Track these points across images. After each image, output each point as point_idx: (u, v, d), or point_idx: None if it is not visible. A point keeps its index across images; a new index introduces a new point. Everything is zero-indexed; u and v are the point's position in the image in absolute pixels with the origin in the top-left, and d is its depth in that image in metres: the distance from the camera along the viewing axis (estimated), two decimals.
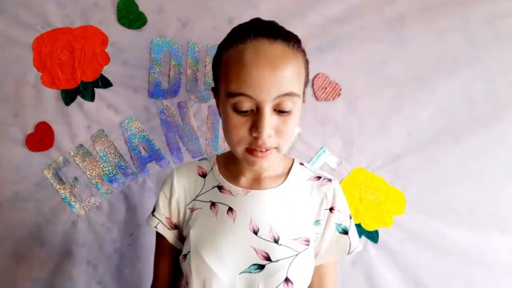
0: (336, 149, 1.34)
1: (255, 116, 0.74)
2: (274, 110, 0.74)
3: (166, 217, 0.92)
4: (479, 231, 1.37)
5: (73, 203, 1.31)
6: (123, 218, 1.33)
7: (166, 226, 0.92)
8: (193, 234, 0.86)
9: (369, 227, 1.36)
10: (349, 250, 0.85)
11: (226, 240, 0.83)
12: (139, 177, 1.32)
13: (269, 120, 0.74)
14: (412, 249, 1.36)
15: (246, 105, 0.73)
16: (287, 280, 0.81)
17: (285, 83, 0.72)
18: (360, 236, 1.35)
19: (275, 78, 0.71)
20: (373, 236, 1.36)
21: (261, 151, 0.76)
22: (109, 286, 1.34)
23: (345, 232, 0.86)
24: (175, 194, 0.91)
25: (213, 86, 0.85)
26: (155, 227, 0.92)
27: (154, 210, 0.95)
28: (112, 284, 1.34)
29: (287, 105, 0.74)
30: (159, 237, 0.96)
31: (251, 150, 0.77)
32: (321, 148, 1.33)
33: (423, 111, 1.32)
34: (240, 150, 0.78)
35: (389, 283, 1.36)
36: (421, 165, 1.35)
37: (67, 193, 1.31)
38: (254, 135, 0.74)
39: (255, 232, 0.83)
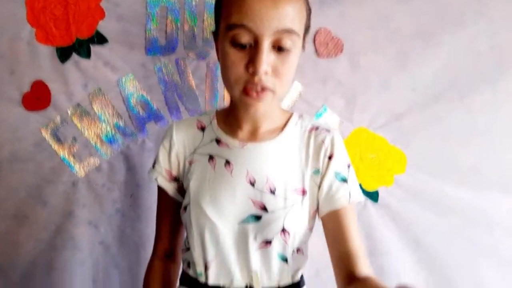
0: (337, 108, 1.31)
1: (253, 51, 0.74)
2: (273, 47, 0.74)
3: (166, 170, 0.92)
4: (482, 191, 1.36)
5: (72, 164, 1.31)
6: (123, 179, 1.32)
7: (166, 179, 0.93)
8: (192, 186, 0.87)
9: (369, 186, 1.35)
10: (349, 199, 0.84)
11: (224, 192, 0.84)
12: (138, 137, 1.31)
13: (267, 55, 0.73)
14: (413, 209, 1.35)
15: (245, 38, 0.73)
16: (283, 230, 0.82)
17: (286, 19, 0.72)
18: None
19: (277, 11, 0.71)
20: (373, 196, 1.35)
21: (257, 92, 0.76)
22: (111, 246, 1.34)
23: (344, 180, 0.85)
24: (174, 147, 0.92)
25: (214, 30, 0.85)
26: (156, 179, 0.93)
27: (154, 163, 0.95)
28: (114, 244, 1.34)
29: (286, 42, 0.73)
30: (160, 191, 0.96)
31: (247, 90, 0.77)
32: (322, 106, 1.31)
33: (428, 67, 1.29)
34: (237, 91, 0.78)
35: (389, 243, 1.36)
36: (424, 123, 1.33)
37: (66, 154, 1.30)
38: (251, 70, 0.74)
39: (252, 184, 0.84)
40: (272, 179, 0.84)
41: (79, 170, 1.31)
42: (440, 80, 1.30)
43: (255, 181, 0.84)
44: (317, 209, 0.87)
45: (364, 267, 0.80)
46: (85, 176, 1.31)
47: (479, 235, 1.37)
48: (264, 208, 0.82)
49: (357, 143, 1.33)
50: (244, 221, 0.83)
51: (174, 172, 0.92)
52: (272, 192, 0.83)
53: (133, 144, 1.31)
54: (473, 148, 1.35)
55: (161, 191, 0.96)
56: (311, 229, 0.89)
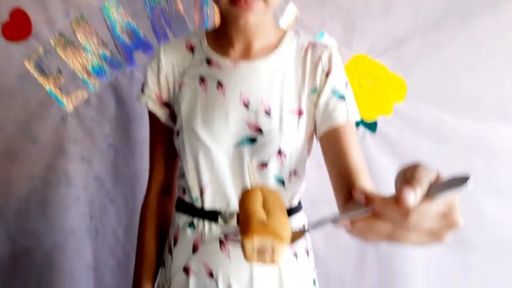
0: (335, 33, 1.25)
1: None
2: None
3: (155, 93, 0.88)
4: (482, 119, 1.33)
5: (60, 97, 1.26)
6: (113, 112, 1.28)
7: (156, 103, 0.88)
8: (183, 110, 0.83)
9: (367, 116, 1.31)
10: (347, 117, 0.80)
11: (217, 114, 0.80)
12: (126, 68, 1.25)
13: None
14: (411, 138, 1.33)
15: None
16: (279, 152, 0.80)
17: None
18: (357, 126, 1.31)
19: None
20: (371, 126, 1.32)
21: (246, 0, 0.70)
22: (106, 182, 1.33)
23: (342, 98, 0.81)
24: (163, 69, 0.87)
25: None
26: (146, 104, 0.88)
27: (143, 87, 0.90)
28: (109, 179, 1.33)
29: None
30: (152, 119, 0.92)
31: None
32: (319, 32, 1.24)
33: None
34: (224, 1, 0.72)
35: (387, 173, 1.34)
36: (425, 50, 1.27)
37: (52, 87, 1.25)
38: None
39: (246, 105, 0.80)
40: (267, 99, 0.80)
41: (67, 103, 1.26)
42: (442, 6, 1.23)
43: (249, 102, 0.80)
44: (315, 130, 0.84)
45: (366, 183, 0.76)
46: (74, 110, 1.27)
47: (478, 164, 1.35)
48: (259, 130, 0.79)
49: (355, 71, 1.27)
50: (239, 144, 0.80)
51: (165, 96, 0.88)
52: (267, 113, 0.79)
53: (121, 76, 1.26)
54: (475, 76, 1.30)
55: (153, 118, 0.91)
56: (308, 151, 0.86)
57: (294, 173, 0.84)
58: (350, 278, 1.43)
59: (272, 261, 0.47)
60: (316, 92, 0.82)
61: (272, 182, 0.81)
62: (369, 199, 0.43)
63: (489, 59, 1.29)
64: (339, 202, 0.78)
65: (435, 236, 0.42)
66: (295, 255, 0.85)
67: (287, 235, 0.47)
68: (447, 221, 0.41)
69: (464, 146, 1.33)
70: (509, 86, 1.32)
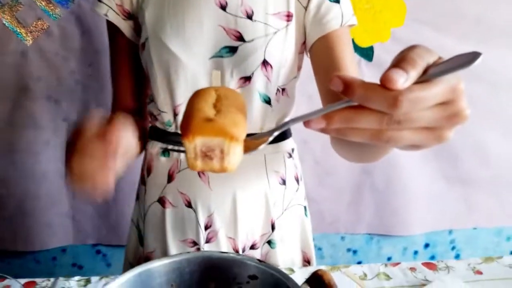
0: None
1: None
2: None
3: (117, 4, 0.74)
4: (487, 44, 1.21)
5: (17, 29, 1.12)
6: (78, 45, 1.16)
7: (118, 14, 0.74)
8: (148, 16, 0.70)
9: (363, 42, 1.19)
10: (342, 21, 0.68)
11: (188, 19, 0.68)
12: None
13: None
14: None
15: None
16: (265, 62, 0.68)
17: None
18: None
19: None
20: (367, 53, 1.20)
21: None
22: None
23: (336, 0, 0.69)
24: None
25: None
26: (105, 15, 0.74)
27: None
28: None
29: None
30: (113, 34, 0.78)
31: None
32: None
33: None
34: None
35: None
36: None
37: (8, 17, 1.11)
38: None
39: (223, 7, 0.68)
40: (249, 0, 0.68)
41: (26, 36, 1.13)
42: None
43: (226, 3, 0.68)
44: (305, 42, 0.72)
45: None
46: (34, 44, 1.14)
47: (483, 94, 1.25)
48: (241, 38, 0.67)
49: None
50: (217, 55, 0.68)
51: (127, 6, 0.73)
52: (249, 16, 0.67)
53: (85, 3, 1.12)
54: None
55: (114, 33, 0.77)
56: (299, 68, 0.75)
57: (283, 91, 0.73)
58: (345, 217, 1.36)
59: (222, 167, 0.36)
60: None
61: (256, 102, 0.70)
62: (349, 85, 0.32)
63: None
64: None
65: (434, 132, 0.34)
66: (283, 182, 0.77)
67: (239, 134, 0.35)
68: (450, 111, 0.32)
69: (468, 73, 1.22)
70: None
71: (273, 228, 0.75)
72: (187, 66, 0.68)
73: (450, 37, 1.19)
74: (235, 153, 0.36)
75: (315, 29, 0.70)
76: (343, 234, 1.41)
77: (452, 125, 0.33)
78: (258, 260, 0.58)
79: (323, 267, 0.72)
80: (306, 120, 0.34)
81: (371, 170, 1.32)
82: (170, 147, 0.75)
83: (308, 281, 0.53)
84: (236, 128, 0.36)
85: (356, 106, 0.33)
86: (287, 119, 0.77)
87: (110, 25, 0.76)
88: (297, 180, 0.80)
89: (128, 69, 0.79)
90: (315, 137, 0.78)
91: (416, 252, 1.46)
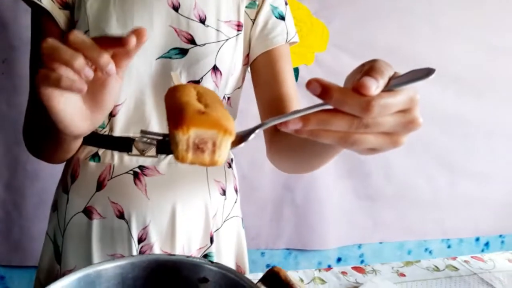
0: None
1: None
2: None
3: None
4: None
5: None
6: None
7: (54, 3, 0.66)
8: (91, 7, 0.65)
9: None
10: (287, 38, 0.72)
11: (137, 15, 0.65)
12: None
13: None
14: None
15: None
16: (215, 68, 0.68)
17: None
18: None
19: None
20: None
21: None
22: None
23: (281, 17, 0.73)
24: None
25: None
26: (39, 0, 0.65)
27: None
28: None
29: None
30: (42, 24, 0.68)
31: None
32: None
33: None
34: None
35: None
36: None
37: None
38: None
39: (175, 8, 0.66)
40: (202, 5, 0.67)
41: None
42: None
43: (179, 5, 0.66)
44: (248, 54, 0.74)
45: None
46: None
47: None
48: (192, 41, 0.66)
49: None
50: (165, 56, 0.66)
51: None
52: (202, 21, 0.67)
53: None
54: (392, 28, 1.32)
55: (44, 24, 0.67)
56: (243, 80, 0.76)
57: (228, 100, 0.73)
58: (267, 231, 1.38)
59: (212, 160, 0.36)
60: (255, 6, 0.73)
61: None
62: (326, 88, 0.35)
63: (406, 13, 1.31)
64: (267, 135, 0.72)
65: (391, 137, 0.38)
66: (224, 192, 0.74)
67: (232, 128, 0.36)
68: (408, 118, 0.37)
69: None
70: (421, 40, 1.36)
71: (211, 240, 0.72)
72: (133, 64, 0.63)
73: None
74: (226, 146, 0.36)
75: (260, 43, 0.72)
76: (263, 250, 1.43)
77: (408, 131, 0.37)
78: (210, 261, 0.56)
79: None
80: (283, 121, 0.36)
81: (293, 186, 1.37)
82: (101, 151, 0.68)
83: (263, 279, 0.53)
84: (229, 122, 0.36)
85: (330, 109, 0.36)
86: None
87: (39, 15, 0.67)
88: (236, 191, 0.79)
89: None
90: (244, 151, 0.78)
91: (329, 266, 1.53)
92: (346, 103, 0.34)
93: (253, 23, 0.72)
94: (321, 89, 0.35)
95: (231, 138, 0.36)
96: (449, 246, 1.68)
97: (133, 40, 0.39)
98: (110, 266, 0.54)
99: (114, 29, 0.64)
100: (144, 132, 0.46)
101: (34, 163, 1.10)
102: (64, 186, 0.71)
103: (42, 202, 1.15)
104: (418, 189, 1.52)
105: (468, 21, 1.39)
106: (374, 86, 0.34)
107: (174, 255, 0.58)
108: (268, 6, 0.72)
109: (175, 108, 0.37)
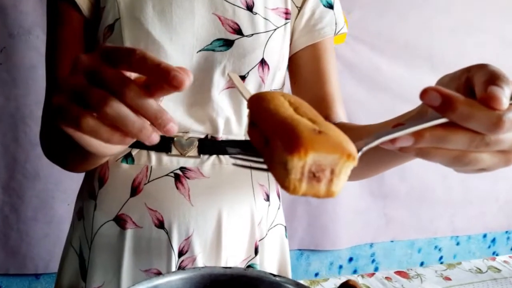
0: None
1: None
2: None
3: None
4: (413, 67, 1.31)
5: None
6: None
7: None
8: None
9: None
10: (336, 29, 0.65)
11: (176, 2, 0.57)
12: None
13: None
14: (349, 82, 1.25)
15: None
16: (262, 62, 0.60)
17: None
18: None
19: None
20: None
21: None
22: None
23: (330, 5, 0.66)
24: None
25: None
26: None
27: None
28: None
29: None
30: (62, 10, 0.59)
31: None
32: None
33: None
34: None
35: None
36: None
37: None
38: None
39: None
40: None
41: None
42: None
43: None
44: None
45: (340, 112, 0.64)
46: None
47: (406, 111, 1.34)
48: (239, 31, 0.58)
49: None
50: (207, 48, 0.58)
51: None
52: (249, 8, 0.59)
53: None
54: (410, 19, 1.28)
55: (64, 9, 0.59)
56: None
57: None
58: None
59: (329, 192, 0.29)
60: None
61: (246, 106, 0.61)
62: (449, 100, 0.29)
63: (424, 5, 1.27)
64: None
65: (506, 156, 0.32)
66: (267, 198, 0.66)
67: (356, 152, 0.28)
68: None
69: (396, 93, 1.31)
70: (437, 34, 1.32)
71: (256, 251, 0.64)
72: (171, 57, 0.56)
73: (383, 57, 1.26)
74: (346, 173, 0.29)
75: (306, 35, 0.65)
76: None
77: None
78: (271, 274, 0.49)
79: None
80: (393, 138, 0.30)
81: None
82: (135, 151, 0.59)
83: None
84: (350, 143, 0.28)
85: (447, 124, 0.30)
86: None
87: (57, 0, 0.59)
88: (279, 196, 0.70)
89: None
90: None
91: (341, 267, 1.49)
92: (473, 118, 0.29)
93: (299, 11, 0.64)
94: (442, 100, 0.29)
95: (353, 164, 0.28)
96: (457, 243, 1.65)
97: (187, 81, 0.28)
98: (159, 283, 0.47)
99: (151, 18, 0.55)
100: (234, 155, 0.34)
101: (34, 161, 1.01)
102: (91, 190, 0.62)
103: (42, 204, 1.06)
104: (430, 187, 1.48)
105: (484, 13, 1.36)
106: (505, 99, 0.28)
107: (230, 267, 0.51)
108: None
109: (280, 125, 0.29)
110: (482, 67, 0.31)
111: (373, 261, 1.53)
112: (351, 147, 0.28)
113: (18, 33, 0.95)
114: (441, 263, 1.56)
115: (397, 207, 1.45)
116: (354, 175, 0.39)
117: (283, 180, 0.28)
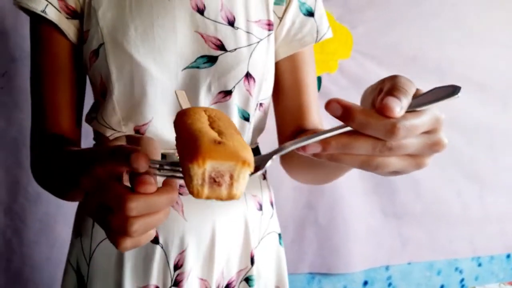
0: None
1: None
2: None
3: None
4: (422, 80, 1.27)
5: None
6: None
7: (61, 13, 0.59)
8: (103, 17, 0.57)
9: None
10: (317, 36, 0.66)
11: (158, 23, 0.57)
12: None
13: None
14: (356, 99, 1.22)
15: None
16: (248, 75, 0.60)
17: None
18: None
19: None
20: None
21: None
22: None
23: (310, 13, 0.66)
24: None
25: None
26: (43, 11, 0.58)
27: None
28: None
29: None
30: (47, 36, 0.60)
31: None
32: None
33: None
34: None
35: None
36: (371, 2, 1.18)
37: None
38: None
39: (200, 11, 0.59)
40: (229, 5, 0.60)
41: None
42: None
43: (204, 7, 0.59)
44: None
45: (315, 120, 0.67)
46: None
47: None
48: (221, 46, 0.59)
49: None
50: (192, 65, 0.58)
51: (71, 2, 0.60)
52: (230, 23, 0.60)
53: None
54: (417, 32, 1.25)
55: (50, 36, 0.60)
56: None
57: (260, 105, 0.66)
58: (288, 254, 1.27)
59: (230, 194, 0.33)
60: (283, 2, 0.65)
61: (235, 119, 0.62)
62: (348, 110, 0.32)
63: (431, 17, 1.25)
64: (280, 141, 0.69)
65: (415, 159, 0.36)
66: (260, 207, 0.67)
67: (251, 158, 0.32)
68: (433, 140, 0.35)
69: None
70: (446, 48, 1.29)
71: (252, 261, 0.64)
72: (157, 78, 0.57)
73: (391, 71, 1.23)
74: (244, 178, 0.33)
75: (286, 45, 0.66)
76: None
77: (432, 152, 0.35)
78: None
79: None
80: (302, 146, 0.34)
81: (315, 204, 1.27)
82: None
83: None
84: (247, 151, 0.33)
85: (352, 132, 0.33)
86: (256, 140, 0.69)
87: (40, 25, 0.60)
88: (272, 205, 0.72)
89: (70, 82, 0.62)
90: None
91: None
92: (370, 126, 0.32)
93: (280, 21, 0.65)
94: (342, 110, 0.33)
95: (250, 170, 0.32)
96: (479, 264, 1.57)
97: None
98: None
99: (133, 41, 0.56)
100: (153, 161, 0.37)
101: (36, 184, 1.00)
102: None
103: (45, 227, 1.05)
104: (446, 205, 1.42)
105: (495, 25, 1.32)
106: (398, 108, 0.32)
107: None
108: (296, 2, 0.65)
109: (188, 137, 0.34)
110: (391, 79, 0.35)
111: (389, 284, 1.45)
112: (246, 155, 0.32)
113: (20, 56, 0.96)
114: (463, 286, 1.48)
115: (412, 226, 1.38)
116: (307, 179, 0.56)
117: (188, 185, 0.32)
